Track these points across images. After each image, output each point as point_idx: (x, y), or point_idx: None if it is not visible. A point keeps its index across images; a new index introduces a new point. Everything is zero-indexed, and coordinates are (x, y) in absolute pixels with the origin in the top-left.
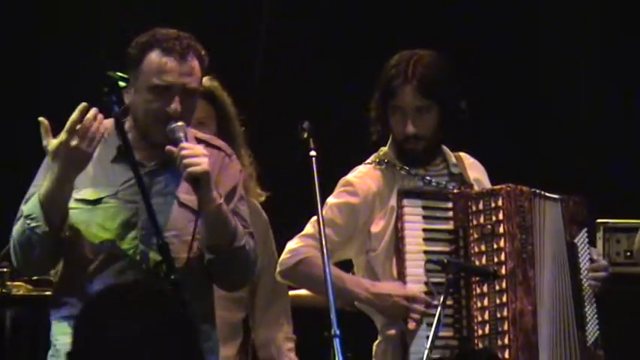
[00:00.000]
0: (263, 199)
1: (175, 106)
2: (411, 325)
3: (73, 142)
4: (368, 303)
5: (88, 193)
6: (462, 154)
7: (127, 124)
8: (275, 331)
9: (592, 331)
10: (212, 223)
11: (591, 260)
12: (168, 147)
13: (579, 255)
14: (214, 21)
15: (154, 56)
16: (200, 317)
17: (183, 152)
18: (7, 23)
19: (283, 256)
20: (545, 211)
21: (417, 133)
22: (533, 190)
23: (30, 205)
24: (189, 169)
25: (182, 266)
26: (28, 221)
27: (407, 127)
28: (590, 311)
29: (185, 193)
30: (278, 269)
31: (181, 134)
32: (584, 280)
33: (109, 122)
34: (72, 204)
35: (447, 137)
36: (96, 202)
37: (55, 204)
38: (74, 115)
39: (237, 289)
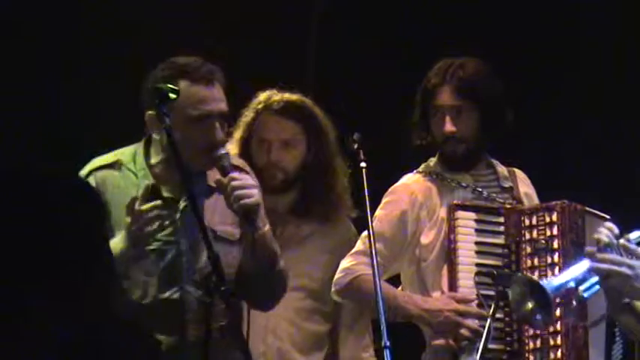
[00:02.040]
0: (354, 215)
1: (219, 133)
2: (461, 339)
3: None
4: (420, 319)
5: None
6: (514, 169)
7: (153, 160)
8: (361, 350)
9: (617, 355)
10: (257, 251)
11: None
12: (218, 178)
13: None
14: (264, 32)
15: (184, 88)
16: (236, 351)
17: (234, 183)
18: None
19: (337, 275)
20: (596, 229)
21: (456, 134)
22: (586, 208)
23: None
24: (242, 202)
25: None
26: None
27: (445, 126)
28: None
29: (219, 225)
30: (333, 289)
31: (227, 163)
32: None
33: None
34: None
35: (489, 143)
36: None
37: (119, 266)
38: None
39: (268, 310)
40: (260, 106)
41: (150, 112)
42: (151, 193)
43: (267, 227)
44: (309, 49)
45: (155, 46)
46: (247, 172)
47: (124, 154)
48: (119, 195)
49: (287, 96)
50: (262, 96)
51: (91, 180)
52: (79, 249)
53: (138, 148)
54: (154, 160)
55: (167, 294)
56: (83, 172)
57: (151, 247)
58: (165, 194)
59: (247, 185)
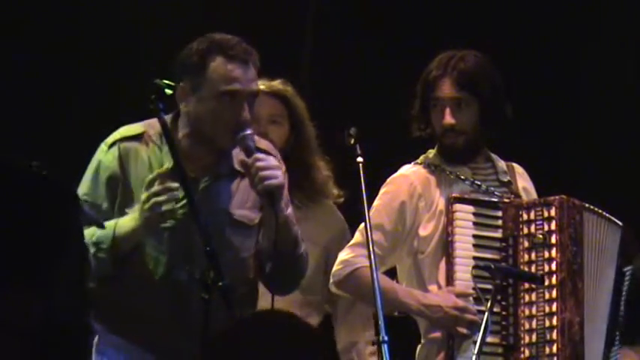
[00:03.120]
0: (341, 200)
1: (247, 114)
2: (459, 335)
3: (147, 205)
4: (419, 314)
5: None
6: (513, 164)
7: (180, 133)
8: (356, 336)
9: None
10: (279, 233)
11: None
12: (242, 157)
13: (624, 284)
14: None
15: (219, 63)
16: None
17: (259, 164)
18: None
19: (335, 267)
20: (596, 227)
21: (455, 126)
22: (584, 204)
23: (101, 234)
24: (267, 183)
25: (245, 286)
26: (94, 249)
27: (445, 117)
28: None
29: (238, 209)
30: (331, 280)
31: (252, 143)
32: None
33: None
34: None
35: (488, 136)
36: None
37: (130, 243)
38: (151, 176)
39: (289, 293)
40: None
41: (181, 84)
42: (172, 171)
43: (289, 210)
44: (305, 45)
45: (150, 44)
46: (273, 155)
47: (153, 126)
48: (142, 169)
49: (271, 82)
50: None
51: (114, 151)
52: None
53: (166, 121)
54: (181, 134)
55: (174, 273)
56: (108, 141)
57: (166, 225)
58: (189, 173)
59: (271, 167)
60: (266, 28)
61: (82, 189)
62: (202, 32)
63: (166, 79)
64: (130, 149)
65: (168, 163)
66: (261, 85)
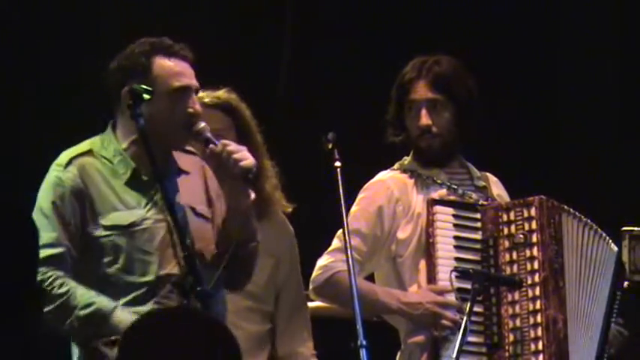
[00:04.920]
0: (290, 210)
1: (197, 106)
2: (442, 330)
3: None
4: (400, 312)
5: (117, 218)
6: (486, 173)
7: (124, 144)
8: (299, 344)
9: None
10: (245, 218)
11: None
12: (212, 147)
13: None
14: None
15: (164, 61)
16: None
17: (230, 148)
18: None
19: (314, 273)
20: (574, 229)
21: (431, 128)
22: (562, 205)
23: (89, 312)
24: (243, 163)
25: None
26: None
27: (421, 119)
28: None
29: (200, 204)
30: (311, 287)
31: (209, 134)
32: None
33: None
34: (104, 232)
35: (464, 139)
36: (129, 226)
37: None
38: None
39: (242, 288)
40: None
41: (126, 88)
42: (132, 177)
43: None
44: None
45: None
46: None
47: (93, 143)
48: (102, 180)
49: (215, 92)
50: None
51: (72, 169)
52: None
53: (105, 136)
54: (124, 144)
55: (167, 270)
56: (61, 162)
57: (144, 226)
58: (144, 177)
59: (241, 149)
60: (244, 32)
61: (43, 204)
62: (174, 33)
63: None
64: (86, 163)
65: (130, 166)
66: (205, 97)
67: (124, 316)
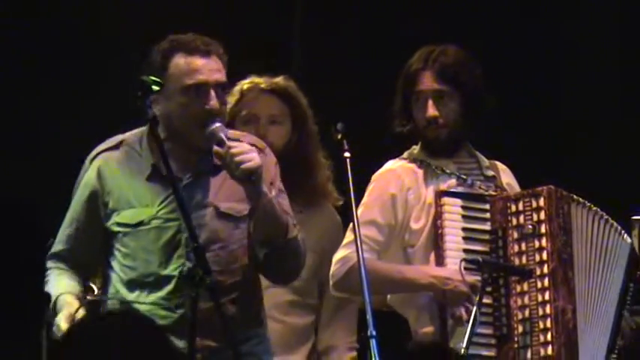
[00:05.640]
0: (340, 203)
1: (214, 102)
2: (464, 314)
3: None
4: (429, 287)
5: (128, 216)
6: (495, 161)
7: (163, 135)
8: (338, 338)
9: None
10: (265, 217)
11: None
12: (216, 148)
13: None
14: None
15: (180, 59)
16: (250, 322)
17: (233, 150)
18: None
19: (333, 268)
20: (583, 218)
21: (438, 119)
22: (571, 195)
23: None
24: (244, 166)
25: (235, 276)
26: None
27: (428, 110)
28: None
29: (224, 202)
30: (331, 282)
31: (222, 135)
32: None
33: (138, 132)
34: (114, 227)
35: (471, 129)
36: (137, 225)
37: None
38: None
39: (290, 282)
40: (245, 87)
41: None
42: (152, 173)
43: (274, 193)
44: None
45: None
46: (250, 144)
47: (131, 134)
48: (123, 175)
49: (272, 78)
50: (245, 80)
51: (93, 167)
52: None
53: (144, 129)
54: (163, 136)
55: (167, 270)
56: (90, 157)
57: (151, 225)
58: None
59: (245, 150)
60: (254, 23)
61: (72, 206)
62: (187, 25)
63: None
64: (109, 159)
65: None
66: (262, 82)
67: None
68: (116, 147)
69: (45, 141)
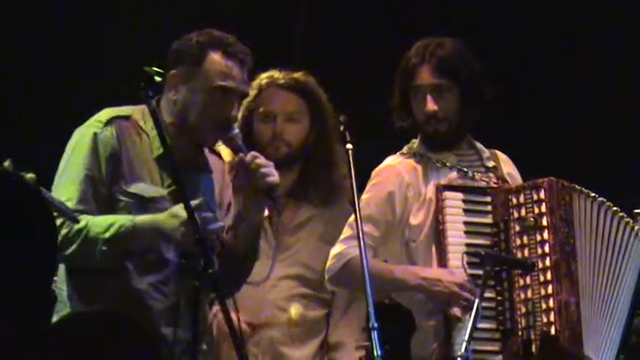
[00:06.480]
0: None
1: (235, 112)
2: (458, 312)
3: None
4: (418, 288)
5: (141, 189)
6: (495, 151)
7: (168, 119)
8: (348, 335)
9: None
10: (254, 233)
11: None
12: (241, 155)
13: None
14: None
15: (218, 58)
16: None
17: (259, 161)
18: None
19: (329, 262)
20: (586, 208)
21: (437, 113)
22: (573, 185)
23: (113, 232)
24: (269, 179)
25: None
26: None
27: (427, 105)
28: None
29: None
30: (326, 277)
31: (241, 142)
32: None
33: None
34: (123, 197)
35: (470, 121)
36: (149, 200)
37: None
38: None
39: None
40: (264, 82)
41: (173, 71)
42: (162, 155)
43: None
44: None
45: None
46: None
47: (134, 110)
48: (135, 148)
49: (291, 73)
50: (264, 75)
51: (111, 129)
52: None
53: (144, 107)
54: (168, 120)
55: (169, 255)
56: (102, 118)
57: (159, 205)
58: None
59: (270, 164)
60: (258, 15)
61: (82, 163)
62: (191, 18)
63: (155, 67)
64: (124, 128)
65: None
66: (280, 78)
67: (145, 222)
68: (127, 118)
69: (45, 141)
